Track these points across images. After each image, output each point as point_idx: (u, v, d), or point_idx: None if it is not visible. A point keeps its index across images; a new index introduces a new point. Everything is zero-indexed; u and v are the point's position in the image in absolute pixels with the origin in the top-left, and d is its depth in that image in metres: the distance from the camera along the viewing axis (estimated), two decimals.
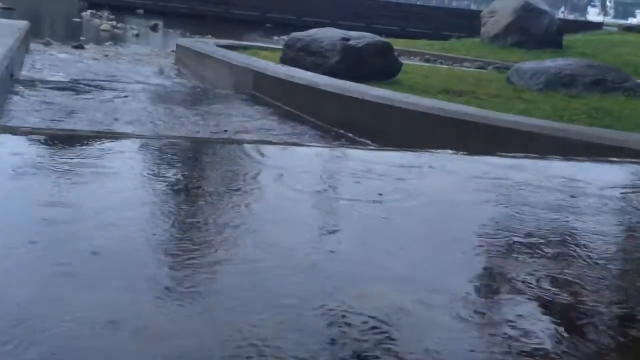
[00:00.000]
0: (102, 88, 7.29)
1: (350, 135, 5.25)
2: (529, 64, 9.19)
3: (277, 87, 6.73)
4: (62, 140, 3.03)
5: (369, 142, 5.03)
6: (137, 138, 3.33)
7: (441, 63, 13.37)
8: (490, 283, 1.75)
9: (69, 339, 1.26)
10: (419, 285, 1.67)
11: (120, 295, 1.46)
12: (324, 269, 1.71)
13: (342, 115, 5.50)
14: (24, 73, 8.12)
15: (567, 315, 1.59)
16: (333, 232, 2.04)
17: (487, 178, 2.78)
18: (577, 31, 20.84)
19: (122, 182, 2.34)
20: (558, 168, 3.14)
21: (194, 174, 2.57)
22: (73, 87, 7.18)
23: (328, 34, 8.48)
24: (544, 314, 1.58)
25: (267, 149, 3.21)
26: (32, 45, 11.48)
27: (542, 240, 2.08)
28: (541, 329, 1.50)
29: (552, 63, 8.96)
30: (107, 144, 2.96)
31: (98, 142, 3.03)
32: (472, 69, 12.05)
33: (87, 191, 2.18)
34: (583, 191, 2.75)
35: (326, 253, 1.83)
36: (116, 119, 5.55)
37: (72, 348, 1.24)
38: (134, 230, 1.85)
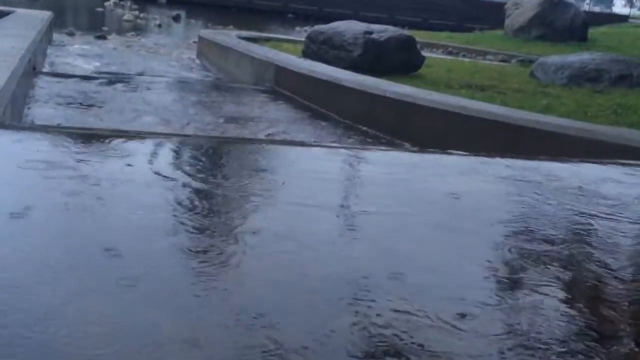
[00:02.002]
0: (124, 81, 7.30)
1: (372, 131, 5.22)
2: (553, 59, 9.09)
3: (298, 82, 6.71)
4: (82, 138, 3.04)
5: (390, 139, 5.00)
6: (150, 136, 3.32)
7: (464, 56, 13.27)
8: None
9: None
10: None
11: None
12: None
13: (364, 112, 5.47)
14: (47, 65, 8.16)
15: None
16: None
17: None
18: (602, 24, 20.62)
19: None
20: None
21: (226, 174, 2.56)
22: (95, 79, 7.20)
23: (350, 27, 8.44)
24: None
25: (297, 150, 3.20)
26: (55, 36, 11.54)
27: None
28: None
29: (576, 57, 8.86)
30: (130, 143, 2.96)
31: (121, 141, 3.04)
32: (495, 63, 11.95)
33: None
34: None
35: None
36: (137, 113, 5.56)
37: None
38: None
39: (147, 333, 1.34)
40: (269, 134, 5.07)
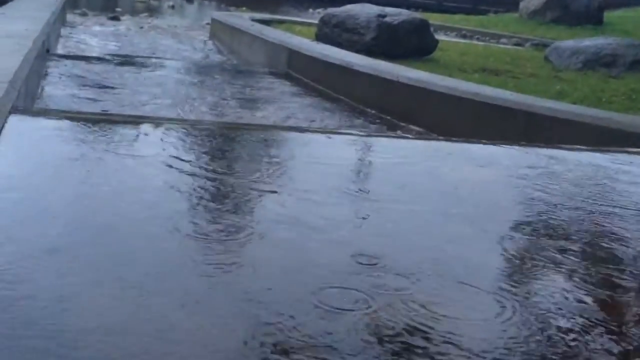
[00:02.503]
0: (137, 62, 7.30)
1: (385, 117, 5.21)
2: (568, 43, 9.02)
3: (311, 66, 6.69)
4: (95, 123, 3.05)
5: (403, 125, 4.99)
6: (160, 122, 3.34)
7: (478, 39, 13.18)
8: None
9: None
10: None
11: None
12: None
13: (377, 97, 5.45)
14: (61, 47, 8.17)
15: None
16: None
17: None
18: (619, 7, 20.38)
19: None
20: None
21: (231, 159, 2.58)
22: (108, 60, 7.21)
23: (364, 10, 8.39)
24: None
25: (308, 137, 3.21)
26: (68, 17, 11.55)
27: None
28: None
29: (591, 42, 8.78)
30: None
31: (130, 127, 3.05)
32: (509, 46, 11.87)
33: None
34: None
35: None
36: (150, 95, 5.56)
37: None
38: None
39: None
40: (277, 119, 5.07)
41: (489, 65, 8.20)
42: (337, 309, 1.47)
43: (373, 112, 5.36)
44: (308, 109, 5.53)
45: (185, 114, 5.07)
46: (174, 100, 5.49)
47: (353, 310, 1.48)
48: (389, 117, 5.19)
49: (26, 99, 4.02)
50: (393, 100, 5.26)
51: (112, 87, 5.75)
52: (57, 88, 5.48)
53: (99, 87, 5.73)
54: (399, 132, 4.78)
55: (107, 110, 4.42)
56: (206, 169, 2.44)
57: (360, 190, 2.39)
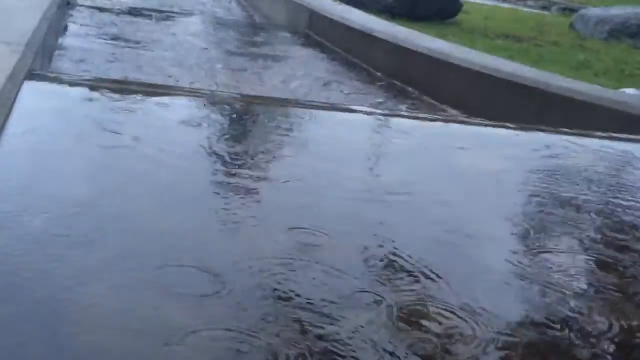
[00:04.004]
0: (158, 16, 7.27)
1: (402, 86, 5.17)
2: (594, 11, 8.88)
3: (330, 28, 6.62)
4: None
5: (419, 95, 4.95)
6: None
7: (504, 1, 12.98)
8: None
9: None
10: None
11: None
12: None
13: (394, 65, 5.40)
14: None
15: None
16: None
17: None
18: None
19: None
20: None
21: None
22: (130, 13, 7.18)
23: None
24: None
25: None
26: None
27: None
28: None
29: (618, 11, 8.63)
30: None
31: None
32: (535, 10, 11.68)
33: None
34: None
35: None
36: (172, 51, 5.55)
37: None
38: None
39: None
40: (289, 81, 5.06)
41: (512, 31, 8.10)
42: None
43: (389, 80, 5.32)
44: (322, 72, 5.50)
45: (202, 69, 5.09)
46: (194, 55, 5.49)
47: None
48: (405, 86, 5.15)
49: (44, 59, 4.02)
50: (410, 69, 5.21)
51: (132, 41, 5.74)
52: (76, 42, 5.47)
53: (119, 40, 5.72)
54: (414, 102, 4.77)
55: (126, 77, 4.42)
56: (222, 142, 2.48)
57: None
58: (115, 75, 4.45)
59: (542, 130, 3.23)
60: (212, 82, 4.74)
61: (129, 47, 5.56)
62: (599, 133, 3.26)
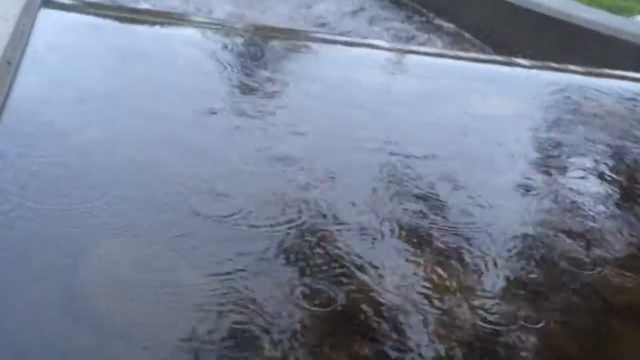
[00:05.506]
0: None
1: (425, 11, 5.06)
2: None
3: None
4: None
5: (444, 23, 4.86)
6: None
7: None
8: None
9: None
10: None
11: None
12: None
13: None
14: None
15: None
16: None
17: None
18: None
19: None
20: None
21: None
22: None
23: None
24: None
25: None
26: None
27: None
28: None
29: None
30: None
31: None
32: None
33: None
34: None
35: None
36: None
37: None
38: None
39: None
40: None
41: None
42: None
43: (413, 4, 5.21)
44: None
45: None
46: None
47: None
48: (426, 11, 5.05)
49: None
50: None
51: None
52: None
53: None
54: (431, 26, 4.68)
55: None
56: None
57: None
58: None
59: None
60: None
61: None
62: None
